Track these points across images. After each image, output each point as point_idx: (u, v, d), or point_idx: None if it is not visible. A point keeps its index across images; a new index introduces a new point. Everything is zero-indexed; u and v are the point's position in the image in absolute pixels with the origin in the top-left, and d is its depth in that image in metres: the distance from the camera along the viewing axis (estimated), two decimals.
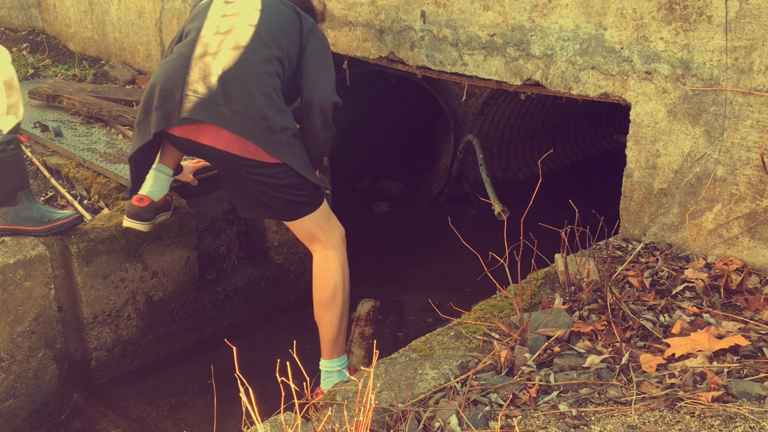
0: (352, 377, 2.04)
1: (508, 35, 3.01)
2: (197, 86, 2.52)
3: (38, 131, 3.82)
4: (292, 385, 1.57)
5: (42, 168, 3.57)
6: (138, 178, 2.89)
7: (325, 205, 2.79)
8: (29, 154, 3.65)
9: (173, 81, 2.57)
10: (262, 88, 2.55)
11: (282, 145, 2.57)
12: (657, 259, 2.57)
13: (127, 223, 2.91)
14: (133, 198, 2.89)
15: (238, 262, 3.65)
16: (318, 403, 1.96)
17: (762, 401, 1.80)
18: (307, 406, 1.83)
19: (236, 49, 2.58)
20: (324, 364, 2.77)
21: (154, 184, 2.92)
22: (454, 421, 1.79)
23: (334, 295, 2.75)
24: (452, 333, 2.25)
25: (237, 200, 2.82)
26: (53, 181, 3.50)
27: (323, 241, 2.77)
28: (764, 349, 2.03)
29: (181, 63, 2.59)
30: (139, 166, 2.85)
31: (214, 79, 2.53)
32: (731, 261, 2.49)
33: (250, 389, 1.52)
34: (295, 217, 2.73)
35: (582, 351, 2.10)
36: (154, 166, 2.92)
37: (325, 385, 2.72)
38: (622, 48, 2.66)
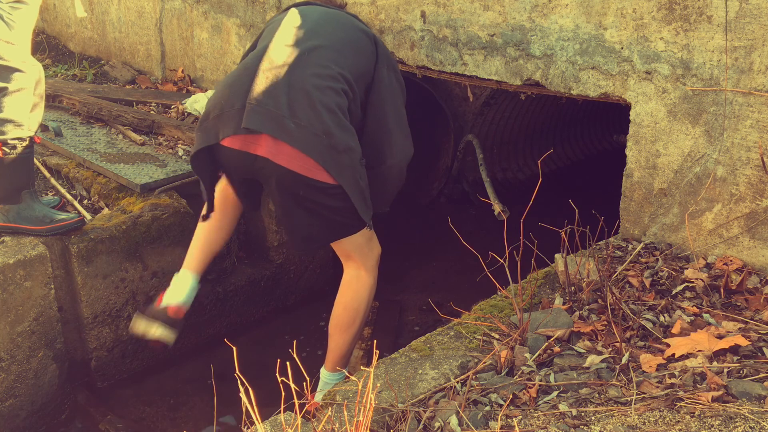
0: (353, 377, 2.04)
1: (508, 35, 3.01)
2: (261, 96, 2.41)
3: (39, 131, 3.82)
4: (292, 385, 1.57)
5: (42, 168, 3.57)
6: (205, 183, 2.75)
7: (368, 228, 2.68)
8: None
9: (235, 89, 2.47)
10: (328, 104, 2.43)
11: (342, 167, 2.44)
12: (657, 259, 2.57)
13: (159, 332, 2.69)
14: (168, 308, 2.71)
15: (238, 262, 3.65)
16: (312, 410, 1.96)
17: (762, 401, 1.80)
18: (303, 411, 1.83)
19: (304, 63, 2.48)
20: (324, 375, 2.77)
21: (190, 292, 2.79)
22: (454, 421, 1.79)
23: (355, 318, 2.69)
24: (452, 333, 2.25)
25: (289, 227, 2.68)
26: (53, 181, 3.50)
27: (359, 263, 2.69)
28: (764, 349, 2.03)
29: (245, 73, 2.49)
30: (202, 173, 2.71)
31: (279, 91, 2.41)
32: (731, 261, 2.49)
33: (250, 389, 1.52)
34: (336, 238, 2.64)
35: (582, 351, 2.10)
36: (188, 272, 2.82)
37: (319, 395, 2.71)
38: (622, 48, 2.66)
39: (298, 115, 2.39)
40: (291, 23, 2.62)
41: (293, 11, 2.69)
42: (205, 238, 2.85)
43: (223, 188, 2.82)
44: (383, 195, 2.73)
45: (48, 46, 5.73)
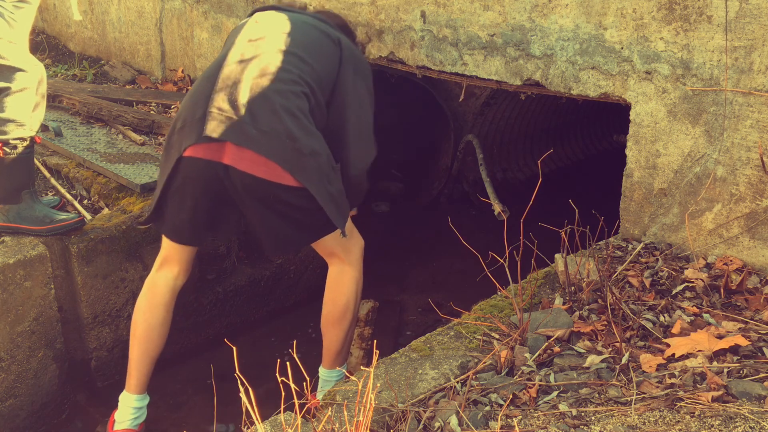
0: (353, 377, 2.04)
1: (508, 35, 3.00)
2: (221, 104, 2.39)
3: (39, 131, 3.82)
4: (292, 385, 1.57)
5: (42, 168, 3.57)
6: (159, 209, 2.60)
7: (349, 222, 2.65)
8: None
9: (196, 99, 2.46)
10: (290, 108, 2.41)
11: (308, 171, 2.40)
12: (657, 259, 2.57)
13: None
14: None
15: (238, 262, 3.65)
16: (312, 410, 1.96)
17: (762, 401, 1.80)
18: (303, 410, 1.83)
19: (263, 70, 2.46)
20: (323, 373, 2.77)
21: (135, 416, 2.66)
22: (454, 421, 1.79)
23: (345, 312, 2.70)
24: (452, 333, 2.25)
25: (263, 233, 2.62)
26: (53, 181, 3.50)
27: (342, 258, 2.69)
28: (764, 349, 2.03)
29: (206, 83, 2.48)
30: (162, 202, 2.57)
31: (239, 97, 2.39)
32: (731, 261, 2.49)
33: (250, 389, 1.52)
34: (311, 240, 2.62)
35: (582, 351, 2.10)
36: (129, 395, 2.66)
37: (320, 393, 2.71)
38: (622, 48, 2.66)
39: (259, 120, 2.36)
40: (251, 29, 2.61)
41: (255, 17, 2.68)
42: (141, 353, 2.68)
43: (155, 283, 2.71)
44: (352, 195, 2.70)
45: (48, 46, 5.73)
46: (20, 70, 2.67)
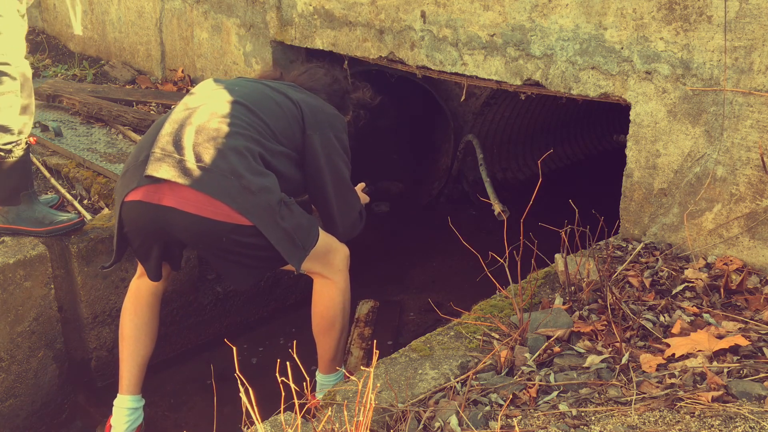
0: (353, 377, 2.04)
1: (508, 35, 3.01)
2: (165, 144, 2.32)
3: (38, 131, 3.82)
4: (292, 385, 1.57)
5: (42, 168, 3.58)
6: (122, 249, 2.58)
7: (321, 238, 2.54)
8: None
9: (142, 143, 2.41)
10: (237, 147, 2.31)
11: (257, 208, 2.29)
12: (657, 259, 2.57)
13: None
14: None
15: None
16: (313, 409, 1.96)
17: (762, 401, 1.80)
18: (303, 410, 1.83)
19: (212, 114, 2.39)
20: (320, 378, 2.77)
21: (131, 419, 2.64)
22: (454, 421, 1.79)
23: (333, 323, 2.66)
24: (452, 333, 2.25)
25: (220, 270, 2.54)
26: (53, 181, 3.50)
27: (324, 274, 2.62)
28: (764, 349, 2.03)
29: (154, 128, 2.44)
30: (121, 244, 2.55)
31: (183, 137, 2.32)
32: (731, 261, 2.49)
33: (250, 389, 1.52)
34: (275, 268, 2.57)
35: (582, 351, 2.10)
36: (124, 397, 2.65)
37: (320, 394, 2.72)
38: (622, 48, 2.66)
39: (203, 159, 2.28)
40: (201, 88, 2.59)
41: (207, 81, 2.66)
42: (130, 353, 2.67)
43: (138, 287, 2.71)
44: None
45: (48, 46, 5.73)
46: (1, 73, 2.63)
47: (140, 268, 2.70)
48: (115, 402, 2.67)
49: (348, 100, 3.01)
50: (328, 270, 2.62)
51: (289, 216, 2.39)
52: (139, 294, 2.69)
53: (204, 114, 2.41)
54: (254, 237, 2.32)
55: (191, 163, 2.27)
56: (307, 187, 2.64)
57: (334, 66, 3.18)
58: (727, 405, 1.77)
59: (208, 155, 2.29)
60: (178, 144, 2.32)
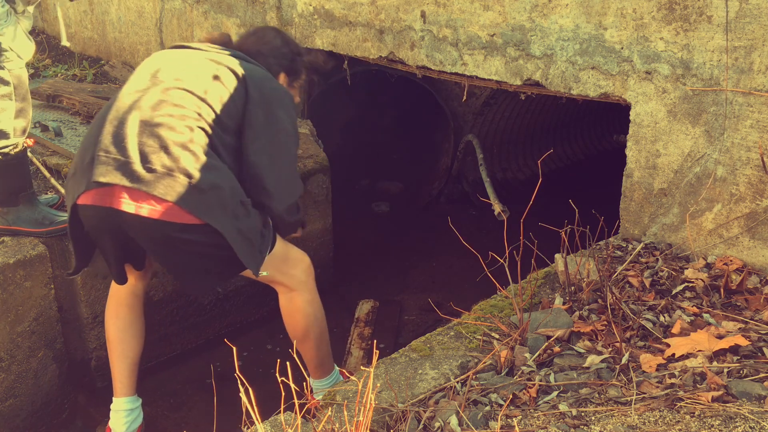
0: (353, 377, 2.04)
1: (508, 35, 3.01)
2: (109, 146, 2.25)
3: (38, 131, 3.82)
4: (292, 385, 1.57)
5: (42, 168, 3.57)
6: (81, 254, 2.53)
7: (278, 246, 2.50)
8: (29, 154, 3.65)
9: (87, 143, 2.35)
10: (184, 143, 2.26)
11: (210, 207, 2.25)
12: (657, 259, 2.57)
13: None
14: None
15: None
16: (313, 409, 1.96)
17: (762, 401, 1.80)
18: (303, 410, 1.83)
19: (154, 106, 2.32)
20: (313, 383, 2.78)
21: (130, 420, 2.64)
22: (454, 421, 1.79)
23: (307, 333, 2.64)
24: (452, 333, 2.25)
25: (179, 274, 2.50)
26: (53, 181, 3.50)
27: (285, 284, 2.58)
28: (764, 349, 2.03)
29: (96, 125, 2.35)
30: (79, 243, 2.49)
31: (127, 137, 2.25)
32: (731, 261, 2.49)
33: (250, 389, 1.52)
34: (234, 273, 2.46)
35: (582, 351, 2.10)
36: (121, 400, 2.64)
37: (319, 395, 2.71)
38: (622, 48, 2.66)
39: (150, 159, 2.23)
40: (145, 68, 2.49)
41: (153, 56, 2.57)
42: (118, 356, 2.65)
43: (118, 291, 2.67)
44: (282, 229, 2.56)
45: (48, 46, 5.73)
46: None
47: None
48: (112, 406, 2.67)
49: (299, 63, 2.84)
50: (290, 280, 2.57)
51: (245, 216, 2.34)
52: (119, 297, 2.67)
53: (147, 105, 2.33)
54: (207, 235, 2.27)
55: (137, 165, 2.22)
56: (245, 154, 2.45)
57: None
58: (727, 405, 1.77)
59: (153, 154, 2.23)
60: (121, 145, 2.25)
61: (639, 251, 2.63)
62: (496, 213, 3.67)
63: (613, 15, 2.66)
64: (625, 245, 2.73)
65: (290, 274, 2.58)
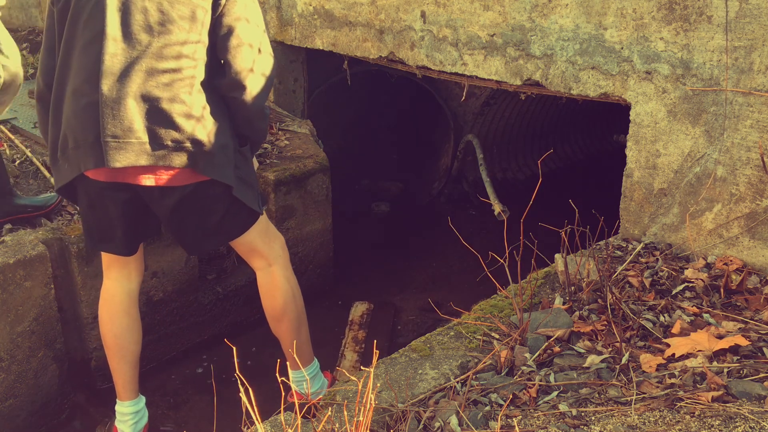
0: (353, 377, 2.04)
1: (508, 35, 3.01)
2: (115, 129, 2.26)
3: (38, 131, 3.82)
4: (293, 385, 1.57)
5: (42, 168, 3.57)
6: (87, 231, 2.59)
7: (264, 216, 2.65)
8: (29, 154, 3.65)
9: (82, 118, 2.29)
10: (186, 111, 2.30)
11: (221, 167, 2.39)
12: (657, 259, 2.57)
13: None
14: None
15: (238, 262, 3.65)
16: (313, 409, 1.96)
17: (762, 401, 1.80)
18: (303, 410, 1.83)
19: (145, 72, 2.28)
20: (291, 374, 2.68)
21: (136, 421, 2.68)
22: (454, 421, 1.79)
23: (285, 310, 2.66)
24: (452, 333, 2.25)
25: (182, 234, 2.56)
26: (53, 181, 3.50)
27: (265, 255, 2.64)
28: (764, 349, 2.03)
29: (86, 99, 2.29)
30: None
31: (130, 117, 2.26)
32: (731, 261, 2.49)
33: (250, 389, 1.52)
34: (238, 234, 2.57)
35: (582, 351, 2.10)
36: (126, 404, 2.69)
37: (295, 386, 2.68)
38: (622, 48, 2.66)
39: (160, 136, 2.28)
40: (111, 25, 2.29)
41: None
42: (118, 361, 2.67)
43: (110, 289, 2.68)
44: (250, 137, 2.59)
45: None
46: None
47: (107, 269, 2.67)
48: (117, 408, 2.69)
49: None
50: (270, 251, 2.65)
51: (244, 164, 2.51)
52: (113, 300, 2.66)
53: (137, 75, 2.27)
54: (215, 187, 2.41)
55: (148, 144, 2.29)
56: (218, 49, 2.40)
57: None
58: (727, 405, 1.77)
59: (161, 131, 2.29)
60: (127, 125, 2.26)
61: (639, 251, 2.63)
62: (496, 213, 3.68)
63: (613, 15, 2.66)
64: (625, 245, 2.73)
65: (270, 245, 2.66)
